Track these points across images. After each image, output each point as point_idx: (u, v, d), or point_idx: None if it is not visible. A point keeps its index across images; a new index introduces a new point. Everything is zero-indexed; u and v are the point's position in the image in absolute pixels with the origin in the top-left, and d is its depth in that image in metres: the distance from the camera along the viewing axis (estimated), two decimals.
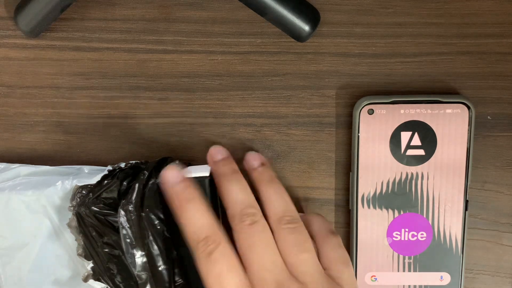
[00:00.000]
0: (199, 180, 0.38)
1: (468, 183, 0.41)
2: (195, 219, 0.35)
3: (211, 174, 0.39)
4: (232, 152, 0.41)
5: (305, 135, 0.42)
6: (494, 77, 0.41)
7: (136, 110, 0.43)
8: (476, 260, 0.43)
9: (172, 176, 0.37)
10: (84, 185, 0.39)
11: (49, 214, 0.40)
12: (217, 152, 0.40)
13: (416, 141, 0.40)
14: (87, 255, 0.39)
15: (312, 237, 0.37)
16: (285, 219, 0.36)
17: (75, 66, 0.42)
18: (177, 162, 0.39)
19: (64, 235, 0.41)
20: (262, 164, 0.40)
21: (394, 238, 0.41)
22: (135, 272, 0.37)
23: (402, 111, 0.40)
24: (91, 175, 0.40)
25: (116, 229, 0.38)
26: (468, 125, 0.40)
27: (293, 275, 0.35)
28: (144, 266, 0.37)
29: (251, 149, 0.43)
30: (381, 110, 0.40)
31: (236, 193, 0.36)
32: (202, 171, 0.38)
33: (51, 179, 0.40)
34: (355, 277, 0.40)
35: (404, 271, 0.42)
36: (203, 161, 0.43)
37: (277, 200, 0.37)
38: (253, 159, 0.40)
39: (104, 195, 0.39)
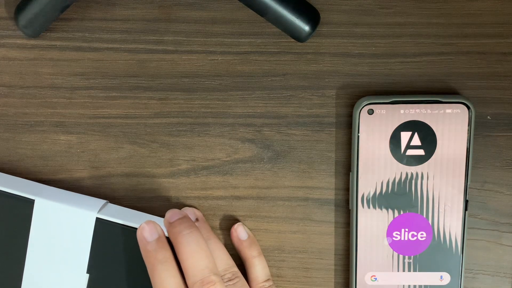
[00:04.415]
0: None
1: (468, 183, 0.41)
2: (167, 282, 0.36)
3: None
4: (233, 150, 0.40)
5: (305, 135, 0.42)
6: (494, 77, 0.41)
7: (136, 110, 0.43)
8: (476, 260, 0.43)
9: (148, 233, 0.37)
10: None
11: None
12: (172, 215, 0.38)
13: (416, 141, 0.40)
14: None
15: (249, 282, 0.41)
16: (226, 276, 0.39)
17: (75, 66, 0.42)
18: None
19: None
20: (197, 220, 0.41)
21: (394, 238, 0.41)
22: None
23: (402, 111, 0.40)
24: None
25: None
26: (468, 125, 0.40)
27: None
28: None
29: (247, 145, 0.43)
30: (381, 110, 0.40)
31: (195, 258, 0.36)
32: None
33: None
34: None
35: (404, 271, 0.42)
36: (203, 161, 0.43)
37: (217, 258, 0.39)
38: (189, 215, 0.39)
39: None
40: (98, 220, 0.40)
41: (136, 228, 0.39)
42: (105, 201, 0.41)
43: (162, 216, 0.40)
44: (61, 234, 0.40)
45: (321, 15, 0.40)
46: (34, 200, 0.40)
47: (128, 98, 0.42)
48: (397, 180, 0.41)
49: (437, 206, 0.41)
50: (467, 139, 0.40)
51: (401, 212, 0.41)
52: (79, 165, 0.43)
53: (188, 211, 0.42)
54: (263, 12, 0.39)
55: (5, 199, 0.40)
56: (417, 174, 0.41)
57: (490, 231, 0.43)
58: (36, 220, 0.40)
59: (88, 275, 0.40)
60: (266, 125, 0.42)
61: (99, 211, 0.40)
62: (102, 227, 0.40)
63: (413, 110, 0.40)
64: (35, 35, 0.41)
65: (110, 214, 0.40)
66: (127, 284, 0.40)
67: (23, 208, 0.40)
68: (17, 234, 0.41)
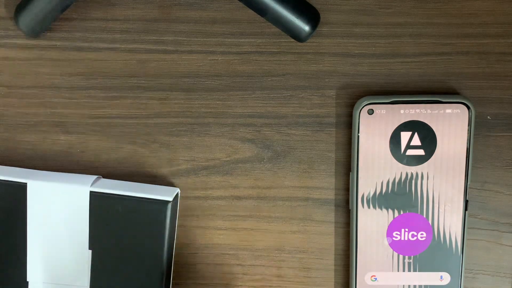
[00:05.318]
0: (160, 203, 0.39)
1: (468, 183, 0.41)
2: None
3: (175, 198, 0.40)
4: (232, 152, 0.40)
5: (305, 135, 0.42)
6: (494, 77, 0.41)
7: (136, 110, 0.43)
8: (476, 260, 0.43)
9: None
10: None
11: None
12: None
13: (416, 141, 0.40)
14: None
15: None
16: None
17: (75, 66, 0.42)
18: None
19: None
20: None
21: (394, 238, 0.41)
22: None
23: (402, 111, 0.40)
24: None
25: None
26: (468, 125, 0.40)
27: None
28: None
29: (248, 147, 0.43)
30: (381, 110, 0.40)
31: None
32: (166, 194, 0.40)
33: None
34: None
35: (404, 271, 0.42)
36: (203, 161, 0.43)
37: None
38: None
39: None
40: (92, 194, 0.40)
41: (132, 197, 0.39)
42: (97, 176, 0.41)
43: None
44: (58, 214, 0.40)
45: (321, 15, 0.40)
46: (26, 183, 0.40)
47: (128, 98, 0.42)
48: (397, 180, 0.41)
49: (437, 206, 0.41)
50: (467, 139, 0.40)
51: (401, 212, 0.41)
52: (79, 165, 0.43)
53: None
54: (263, 12, 0.39)
55: None
56: (417, 174, 0.41)
57: (490, 231, 0.43)
58: (31, 203, 0.40)
59: (90, 251, 0.40)
60: (266, 125, 0.42)
61: (92, 185, 0.40)
62: (98, 201, 0.40)
63: (413, 110, 0.40)
64: (35, 35, 0.41)
65: (104, 187, 0.40)
66: (130, 255, 0.40)
67: (17, 193, 0.40)
68: (15, 220, 0.41)
